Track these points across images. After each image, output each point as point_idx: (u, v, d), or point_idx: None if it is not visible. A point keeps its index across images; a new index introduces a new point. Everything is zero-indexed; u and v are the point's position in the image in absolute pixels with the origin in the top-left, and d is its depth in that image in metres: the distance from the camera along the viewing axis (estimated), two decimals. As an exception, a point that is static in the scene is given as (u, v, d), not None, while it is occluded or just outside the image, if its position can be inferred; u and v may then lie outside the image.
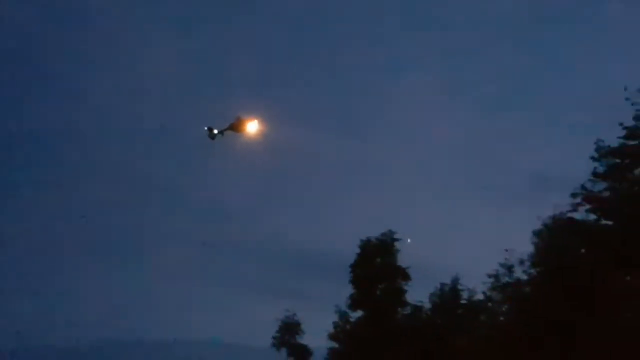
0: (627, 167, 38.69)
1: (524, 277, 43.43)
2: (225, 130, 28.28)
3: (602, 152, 38.83)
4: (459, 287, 54.46)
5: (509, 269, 44.41)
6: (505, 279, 44.92)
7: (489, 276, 45.85)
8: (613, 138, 38.67)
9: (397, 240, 57.18)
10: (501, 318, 45.77)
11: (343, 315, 57.51)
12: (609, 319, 36.86)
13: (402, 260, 57.06)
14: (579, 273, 37.83)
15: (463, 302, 53.91)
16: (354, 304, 56.79)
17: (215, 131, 28.30)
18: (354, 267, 56.78)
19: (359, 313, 57.19)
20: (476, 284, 50.79)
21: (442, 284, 54.93)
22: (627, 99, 37.53)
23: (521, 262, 43.37)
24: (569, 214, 40.45)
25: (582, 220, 40.14)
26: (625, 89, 37.55)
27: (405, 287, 56.54)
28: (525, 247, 42.77)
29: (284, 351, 63.36)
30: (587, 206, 39.55)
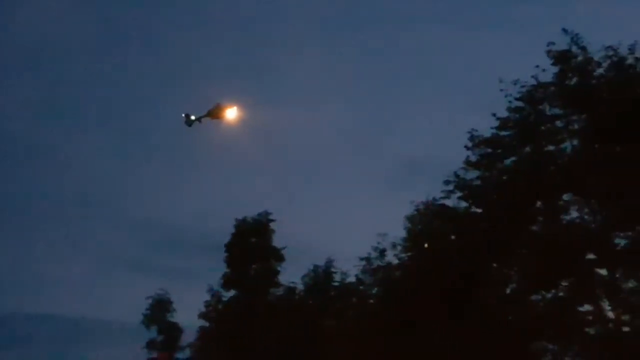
0: (498, 157, 39.51)
1: (395, 261, 44.14)
2: (203, 117, 28.29)
3: (476, 142, 39.54)
4: (332, 269, 54.97)
5: (381, 252, 45.07)
6: (377, 263, 45.58)
7: (361, 259, 46.47)
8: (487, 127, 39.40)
9: (272, 221, 57.29)
10: (371, 301, 46.37)
11: (215, 294, 57.31)
12: (475, 305, 37.79)
13: (277, 241, 57.25)
14: (448, 259, 38.60)
15: (335, 284, 54.41)
16: (227, 283, 56.65)
17: (193, 117, 28.25)
18: (229, 246, 56.60)
19: (232, 292, 57.09)
20: (349, 267, 51.39)
21: (316, 266, 55.33)
22: (501, 90, 38.21)
23: (393, 246, 44.10)
24: (442, 201, 41.18)
25: (453, 207, 40.89)
26: (501, 80, 38.20)
27: (279, 268, 56.77)
28: (399, 231, 43.51)
29: (154, 329, 62.79)
30: (459, 193, 40.26)
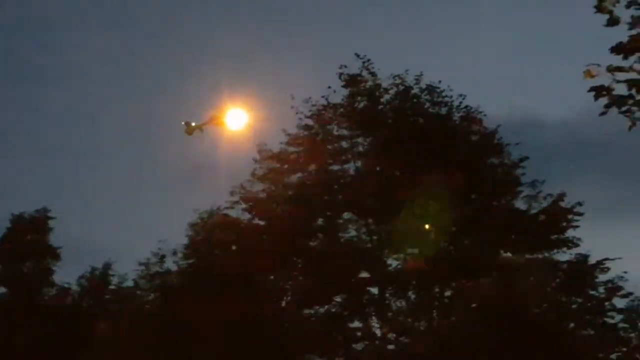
0: (285, 172, 40.20)
1: (175, 268, 43.89)
2: (205, 124, 25.36)
3: (263, 155, 40.02)
4: (110, 272, 53.70)
5: (161, 258, 44.64)
6: (156, 269, 45.13)
7: (140, 264, 45.83)
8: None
9: (51, 218, 55.27)
10: (147, 306, 45.82)
11: (-16, 292, 54.64)
12: (253, 316, 38.16)
13: (55, 240, 55.23)
14: (227, 268, 38.74)
15: (112, 287, 53.23)
16: (-2, 280, 54.16)
17: (193, 124, 25.33)
18: (1, 242, 54.13)
19: (2, 290, 54.68)
20: (129, 271, 50.46)
21: (93, 268, 53.90)
22: (292, 107, 38.83)
23: (174, 252, 43.78)
24: (226, 211, 41.35)
25: (237, 218, 41.18)
26: (292, 97, 38.83)
27: (55, 268, 54.79)
28: (183, 237, 43.22)
29: None
30: (244, 205, 40.60)
